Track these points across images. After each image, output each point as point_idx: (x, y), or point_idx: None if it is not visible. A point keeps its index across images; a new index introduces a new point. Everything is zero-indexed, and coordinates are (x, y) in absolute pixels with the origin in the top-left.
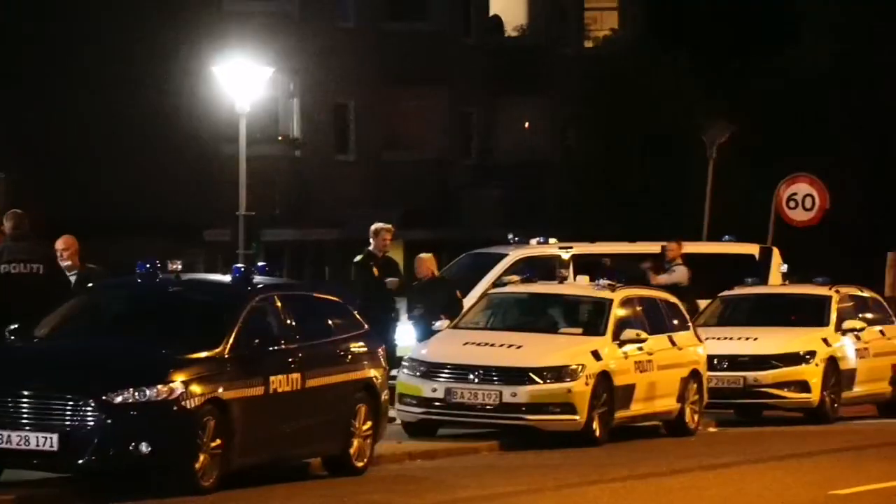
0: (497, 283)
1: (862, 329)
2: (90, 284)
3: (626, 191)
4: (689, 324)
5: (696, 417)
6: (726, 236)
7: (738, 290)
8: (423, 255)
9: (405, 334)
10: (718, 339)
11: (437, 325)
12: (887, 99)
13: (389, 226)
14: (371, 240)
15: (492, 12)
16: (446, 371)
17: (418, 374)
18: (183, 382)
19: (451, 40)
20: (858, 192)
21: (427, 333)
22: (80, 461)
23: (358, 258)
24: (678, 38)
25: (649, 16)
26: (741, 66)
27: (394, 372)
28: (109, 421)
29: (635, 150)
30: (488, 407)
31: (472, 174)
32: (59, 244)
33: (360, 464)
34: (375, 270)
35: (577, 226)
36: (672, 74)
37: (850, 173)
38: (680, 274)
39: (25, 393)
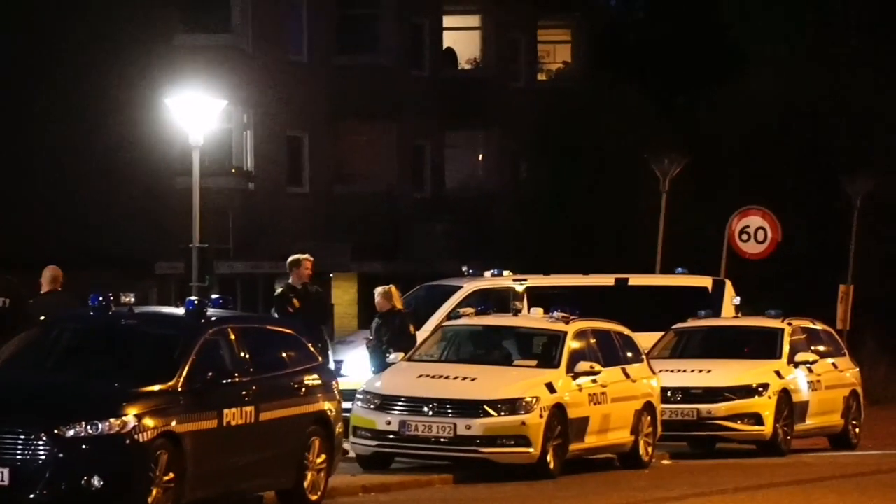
0: (451, 315)
1: (814, 362)
2: (42, 318)
3: (578, 223)
4: (643, 356)
5: (649, 450)
6: (679, 269)
7: (691, 323)
8: (379, 288)
9: (355, 366)
10: (672, 371)
11: (392, 357)
12: (833, 131)
13: (307, 255)
14: (290, 272)
15: (445, 45)
16: (400, 404)
17: (372, 406)
18: (135, 416)
19: (401, 74)
20: (806, 225)
21: (382, 366)
22: (32, 495)
23: (278, 291)
24: (628, 71)
25: (600, 50)
26: (689, 100)
27: (346, 405)
28: (61, 455)
29: (586, 182)
30: (442, 440)
31: (423, 207)
32: None
33: (314, 497)
34: (296, 302)
35: (527, 258)
36: (622, 107)
37: (797, 206)
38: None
39: None
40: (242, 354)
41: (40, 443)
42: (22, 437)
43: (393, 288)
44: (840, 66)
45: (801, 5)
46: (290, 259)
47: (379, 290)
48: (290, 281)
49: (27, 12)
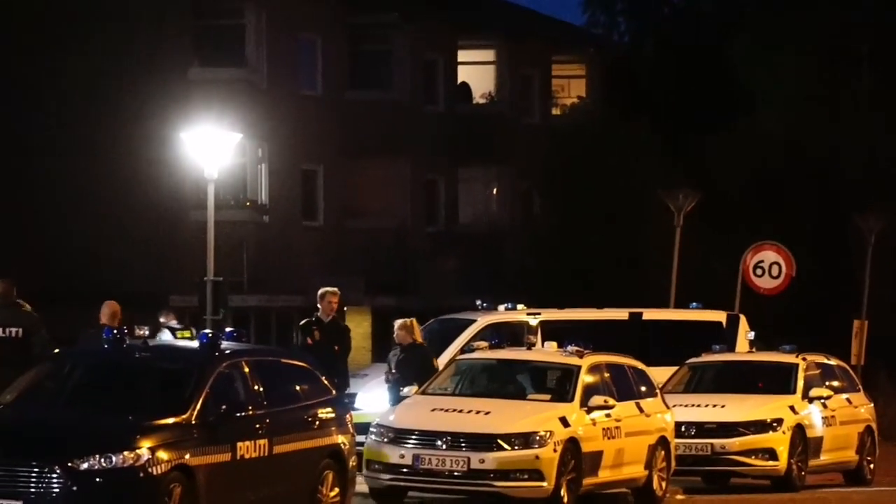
0: (465, 348)
1: (829, 397)
2: (57, 350)
3: (590, 258)
4: (657, 390)
5: (663, 485)
6: (693, 304)
7: (705, 358)
8: (399, 321)
9: (374, 400)
10: (686, 406)
11: (406, 391)
12: (842, 168)
13: (335, 289)
14: (318, 304)
15: (460, 80)
16: (414, 437)
17: (386, 440)
18: (149, 449)
19: (415, 109)
20: (819, 260)
21: (400, 399)
22: None
23: (302, 322)
24: (640, 108)
25: (612, 85)
26: (700, 136)
27: (360, 438)
28: (75, 488)
29: (598, 217)
30: (456, 473)
31: (436, 242)
32: None
33: None
34: (317, 334)
35: (539, 293)
36: (634, 143)
37: (809, 241)
38: None
39: None
40: (256, 387)
41: (54, 476)
42: (36, 469)
43: (414, 321)
44: (848, 104)
45: (807, 43)
46: (319, 292)
47: (399, 322)
48: (318, 313)
49: (41, 47)
